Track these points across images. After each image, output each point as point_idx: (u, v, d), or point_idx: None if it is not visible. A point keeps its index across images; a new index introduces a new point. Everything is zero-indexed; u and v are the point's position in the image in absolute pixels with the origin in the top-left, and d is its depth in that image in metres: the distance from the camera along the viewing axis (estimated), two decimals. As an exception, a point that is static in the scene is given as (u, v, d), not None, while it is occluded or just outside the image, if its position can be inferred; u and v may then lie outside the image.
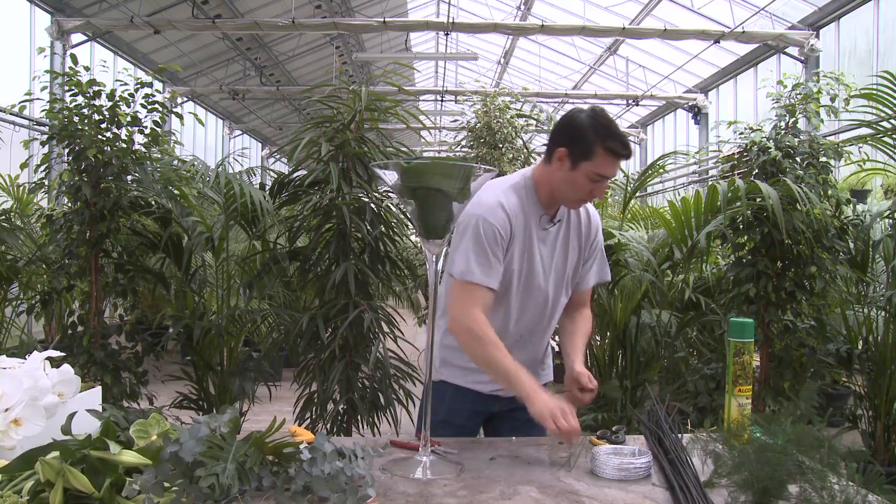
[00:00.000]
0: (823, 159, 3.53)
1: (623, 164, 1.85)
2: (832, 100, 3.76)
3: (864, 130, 3.65)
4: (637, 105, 14.49)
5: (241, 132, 17.98)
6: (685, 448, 1.43)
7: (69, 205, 3.49)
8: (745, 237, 3.41)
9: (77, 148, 3.31)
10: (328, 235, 3.34)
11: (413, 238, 5.88)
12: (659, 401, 1.67)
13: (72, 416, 1.21)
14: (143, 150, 3.51)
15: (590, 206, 1.97)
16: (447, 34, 11.43)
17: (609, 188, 5.05)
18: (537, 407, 1.60)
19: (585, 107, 1.81)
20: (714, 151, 7.86)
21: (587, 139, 1.72)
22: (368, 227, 3.19)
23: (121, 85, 3.40)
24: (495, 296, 1.78)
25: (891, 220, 3.68)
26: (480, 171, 1.39)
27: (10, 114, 7.72)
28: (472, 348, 1.76)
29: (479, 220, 1.74)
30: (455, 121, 7.71)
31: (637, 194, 4.51)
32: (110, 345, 3.45)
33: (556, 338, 2.09)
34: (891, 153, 3.47)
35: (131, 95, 3.40)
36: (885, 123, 3.42)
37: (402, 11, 14.66)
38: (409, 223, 3.32)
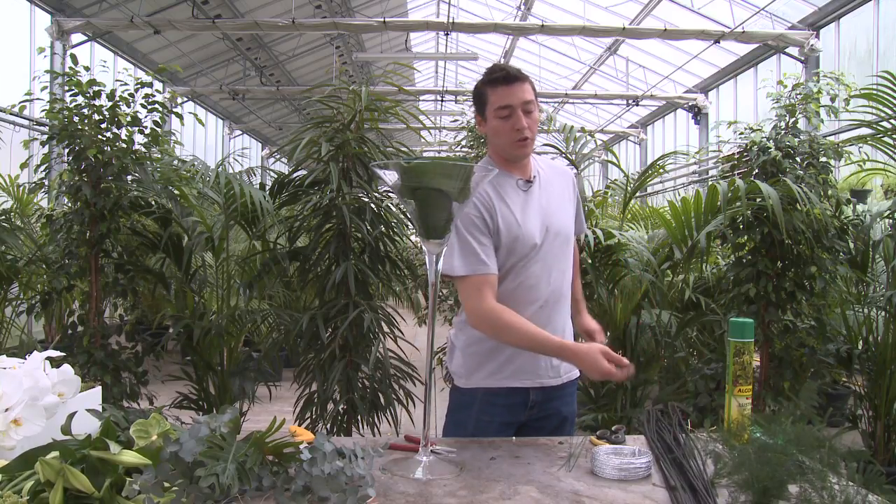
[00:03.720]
0: (823, 159, 3.53)
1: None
2: (832, 100, 3.76)
3: (864, 130, 3.65)
4: (637, 105, 14.49)
5: (241, 132, 17.98)
6: (695, 449, 1.43)
7: (69, 205, 3.49)
8: (745, 237, 3.41)
9: (77, 148, 3.31)
10: (328, 235, 3.34)
11: (413, 238, 5.89)
12: (682, 420, 1.64)
13: (72, 416, 1.21)
14: (143, 150, 3.51)
15: (558, 163, 2.04)
16: (447, 34, 11.42)
17: (609, 188, 5.06)
18: (578, 363, 1.69)
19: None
20: (714, 151, 7.86)
21: (478, 90, 1.88)
22: (368, 227, 3.19)
23: (121, 85, 3.40)
24: (512, 269, 1.83)
25: (891, 220, 3.68)
26: (480, 171, 1.39)
27: (10, 114, 7.72)
28: (501, 337, 1.81)
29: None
30: (455, 121, 7.70)
31: (637, 194, 4.51)
32: (110, 345, 3.45)
33: None
34: (891, 153, 3.47)
35: (131, 95, 3.40)
36: (885, 123, 3.42)
37: (402, 11, 14.66)
38: (409, 223, 3.32)
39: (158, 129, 3.50)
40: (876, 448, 3.52)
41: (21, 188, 5.19)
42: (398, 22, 11.70)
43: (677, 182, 14.05)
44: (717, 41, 10.25)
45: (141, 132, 3.46)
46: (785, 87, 3.74)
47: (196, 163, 3.94)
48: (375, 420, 3.30)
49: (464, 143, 6.69)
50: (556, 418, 1.95)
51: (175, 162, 3.99)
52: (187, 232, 3.66)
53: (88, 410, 1.26)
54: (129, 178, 3.50)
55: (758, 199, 3.24)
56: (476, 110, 1.92)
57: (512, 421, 1.91)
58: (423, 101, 15.86)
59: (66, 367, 1.32)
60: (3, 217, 3.83)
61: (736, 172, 3.68)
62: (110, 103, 3.36)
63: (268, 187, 3.66)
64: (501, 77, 1.82)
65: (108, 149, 3.34)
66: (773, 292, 3.33)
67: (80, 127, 3.32)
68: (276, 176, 3.62)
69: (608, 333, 3.86)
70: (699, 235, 3.39)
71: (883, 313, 3.55)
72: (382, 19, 10.48)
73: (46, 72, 3.88)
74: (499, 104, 1.82)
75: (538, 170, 1.95)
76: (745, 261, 3.44)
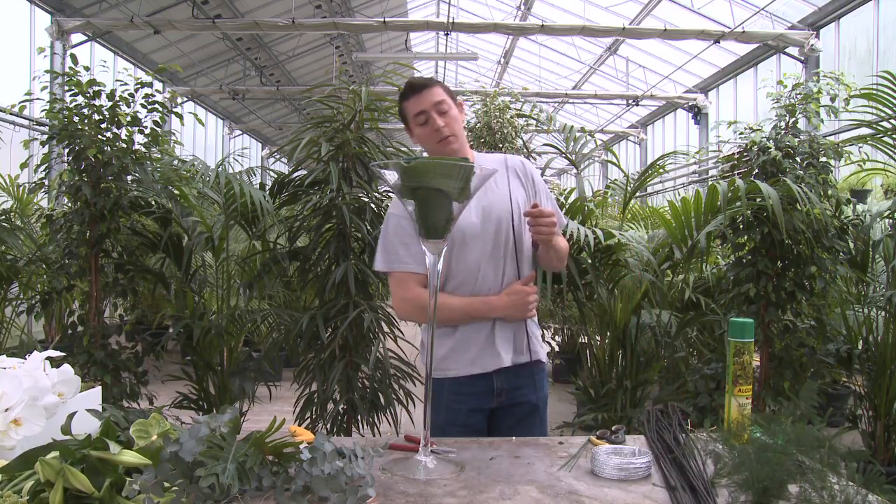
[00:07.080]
0: (823, 159, 3.53)
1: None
2: (832, 100, 3.75)
3: (864, 130, 3.65)
4: (637, 105, 14.50)
5: (241, 132, 17.98)
6: (695, 449, 1.43)
7: (69, 205, 3.49)
8: (745, 237, 3.41)
9: (77, 148, 3.31)
10: (328, 235, 3.34)
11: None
12: (682, 420, 1.65)
13: (72, 416, 1.21)
14: (143, 150, 3.51)
15: (497, 156, 2.13)
16: (447, 34, 11.44)
17: (609, 188, 5.07)
18: (501, 309, 1.87)
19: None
20: (714, 151, 7.85)
21: (400, 110, 2.02)
22: (368, 227, 3.19)
23: (121, 85, 3.40)
24: (450, 256, 1.91)
25: (891, 220, 3.68)
26: (479, 171, 1.39)
27: (10, 114, 7.72)
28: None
29: (387, 215, 1.99)
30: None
31: (637, 194, 4.51)
32: (110, 345, 3.45)
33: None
34: (891, 153, 3.47)
35: (131, 95, 3.40)
36: (885, 123, 3.42)
37: (402, 11, 14.67)
38: (409, 223, 3.32)
39: (158, 129, 3.50)
40: (876, 448, 3.52)
41: (21, 188, 5.19)
42: (398, 22, 11.70)
43: (677, 182, 14.05)
44: (717, 41, 10.26)
45: (141, 132, 3.45)
46: (785, 87, 3.74)
47: (196, 163, 3.94)
48: (375, 420, 3.30)
49: (463, 142, 6.69)
50: (528, 406, 2.01)
51: (175, 162, 3.99)
52: (187, 232, 3.66)
53: (88, 410, 1.26)
54: (129, 178, 3.50)
55: (758, 199, 3.24)
56: (406, 129, 2.03)
57: (481, 407, 1.98)
58: (423, 101, 15.83)
59: (66, 367, 1.32)
60: (3, 217, 3.83)
61: (736, 172, 3.67)
62: (110, 103, 3.36)
63: (268, 187, 3.66)
64: (409, 89, 1.95)
65: (108, 149, 3.34)
66: (773, 292, 3.33)
67: (80, 127, 3.32)
68: (276, 176, 3.62)
69: (608, 333, 3.87)
70: (699, 235, 3.39)
71: (883, 313, 3.55)
72: (382, 19, 10.49)
73: (46, 72, 3.88)
74: (414, 112, 1.93)
75: (478, 166, 2.00)
76: (745, 261, 3.44)
